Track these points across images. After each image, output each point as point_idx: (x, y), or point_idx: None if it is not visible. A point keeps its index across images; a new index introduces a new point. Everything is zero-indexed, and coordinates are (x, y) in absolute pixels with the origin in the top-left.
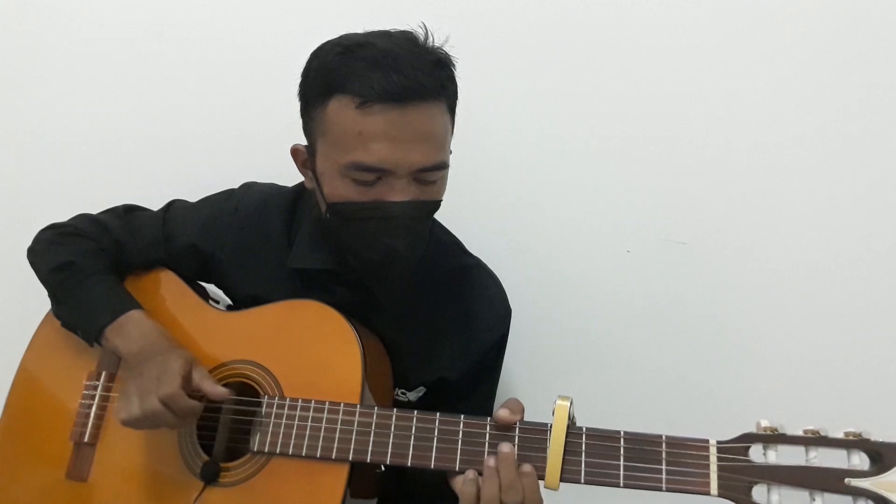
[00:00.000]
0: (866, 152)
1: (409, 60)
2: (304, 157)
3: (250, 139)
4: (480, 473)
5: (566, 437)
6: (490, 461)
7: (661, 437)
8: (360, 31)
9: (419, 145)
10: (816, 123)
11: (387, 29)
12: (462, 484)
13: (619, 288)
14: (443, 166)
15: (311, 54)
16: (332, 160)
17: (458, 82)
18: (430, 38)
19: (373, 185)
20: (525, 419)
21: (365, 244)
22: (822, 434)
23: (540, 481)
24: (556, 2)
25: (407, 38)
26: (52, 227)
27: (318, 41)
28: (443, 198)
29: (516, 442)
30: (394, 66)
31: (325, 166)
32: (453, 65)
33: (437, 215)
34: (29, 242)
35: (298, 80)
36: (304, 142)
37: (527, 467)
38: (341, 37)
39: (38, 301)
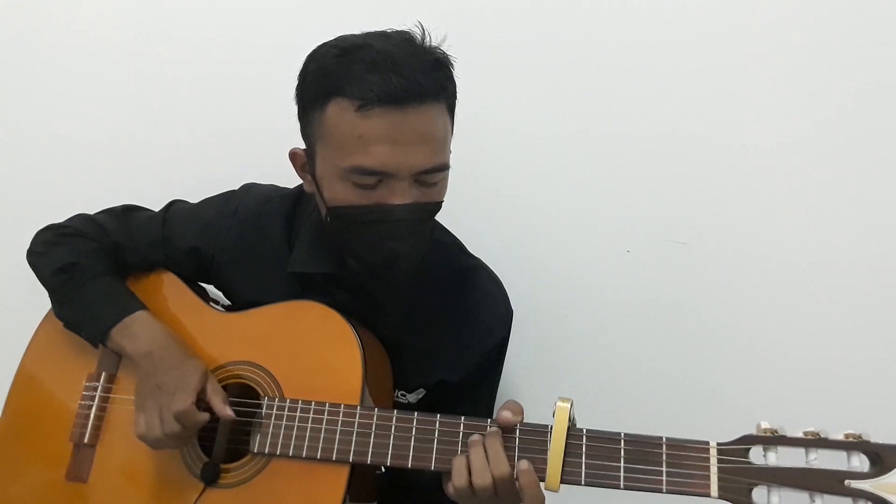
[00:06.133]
0: (866, 152)
1: (407, 62)
2: (302, 161)
3: (251, 139)
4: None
5: (567, 439)
6: (475, 436)
7: (661, 438)
8: (356, 31)
9: (420, 147)
10: (816, 123)
11: (383, 29)
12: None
13: (619, 288)
14: (444, 167)
15: (308, 57)
16: (332, 164)
17: (456, 82)
18: (428, 38)
19: (374, 188)
20: (525, 420)
21: (367, 248)
22: (822, 436)
23: (541, 482)
24: (555, 1)
25: (404, 38)
26: (51, 228)
27: (318, 40)
28: (444, 199)
29: (517, 444)
30: (393, 67)
31: (324, 170)
32: (451, 65)
33: (438, 216)
34: (28, 243)
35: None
36: (302, 144)
37: (524, 464)
38: (338, 38)
39: (38, 301)
